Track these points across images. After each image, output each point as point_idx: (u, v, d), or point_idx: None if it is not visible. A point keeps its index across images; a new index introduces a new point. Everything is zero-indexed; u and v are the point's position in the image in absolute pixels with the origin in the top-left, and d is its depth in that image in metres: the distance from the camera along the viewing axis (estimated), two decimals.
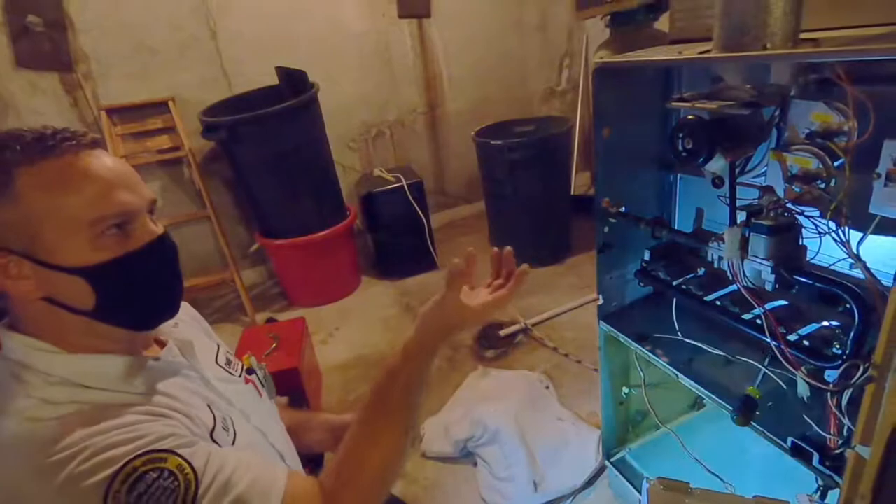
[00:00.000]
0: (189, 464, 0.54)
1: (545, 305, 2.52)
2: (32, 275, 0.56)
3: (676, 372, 1.13)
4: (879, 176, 0.72)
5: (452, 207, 3.78)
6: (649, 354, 1.20)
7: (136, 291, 0.61)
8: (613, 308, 1.35)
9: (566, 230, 3.03)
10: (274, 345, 1.90)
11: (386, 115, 3.37)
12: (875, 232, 0.77)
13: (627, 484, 1.44)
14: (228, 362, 0.83)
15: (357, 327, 2.65)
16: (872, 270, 0.77)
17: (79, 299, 0.58)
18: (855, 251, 0.79)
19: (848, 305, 0.83)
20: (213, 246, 3.04)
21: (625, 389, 1.46)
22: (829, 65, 0.78)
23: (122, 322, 0.62)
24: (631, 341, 1.26)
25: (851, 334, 0.82)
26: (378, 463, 0.67)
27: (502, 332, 2.36)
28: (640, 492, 1.02)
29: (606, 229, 1.25)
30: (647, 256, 1.26)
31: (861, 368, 0.78)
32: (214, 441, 0.64)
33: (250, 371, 0.88)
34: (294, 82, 2.63)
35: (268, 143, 2.48)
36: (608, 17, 2.32)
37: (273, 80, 2.77)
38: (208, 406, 0.68)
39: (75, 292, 0.57)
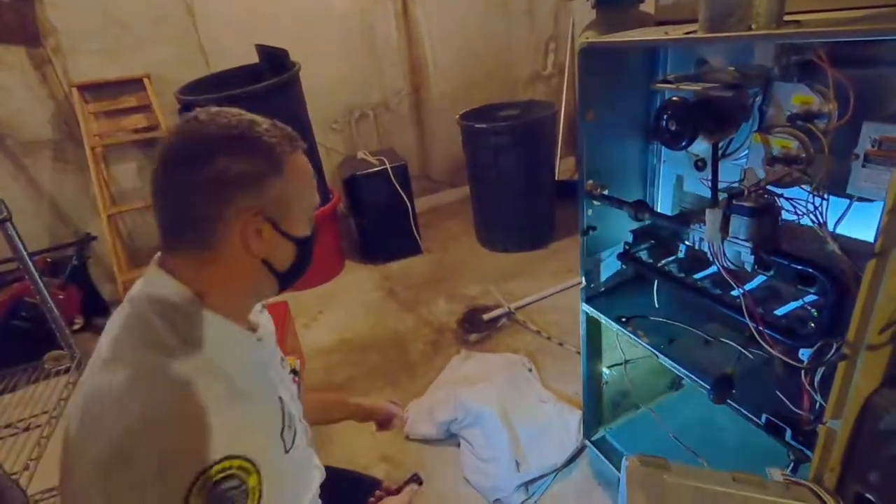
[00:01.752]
0: (260, 490, 0.60)
1: (528, 289, 2.54)
2: (268, 238, 0.67)
3: (656, 352, 1.15)
4: (858, 157, 0.73)
5: (437, 192, 3.75)
6: (630, 335, 1.21)
7: (308, 258, 0.75)
8: (596, 290, 1.36)
9: (550, 215, 3.04)
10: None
11: (370, 97, 3.31)
12: (853, 212, 0.78)
13: (607, 462, 1.47)
14: (282, 359, 0.86)
15: (340, 311, 2.64)
16: (849, 251, 0.79)
17: (282, 262, 0.71)
18: (833, 232, 0.81)
19: (823, 286, 0.85)
20: None
21: (605, 370, 1.48)
22: (811, 47, 0.79)
23: (287, 281, 0.74)
24: (612, 323, 1.27)
25: (826, 314, 0.84)
26: None
27: (486, 316, 2.37)
28: (619, 470, 1.05)
29: (590, 212, 1.26)
30: (629, 239, 1.27)
31: (834, 347, 0.80)
32: (282, 439, 0.70)
33: (295, 372, 0.91)
34: (275, 61, 2.56)
35: None
36: None
37: (253, 58, 2.69)
38: (279, 398, 0.73)
39: (284, 256, 0.70)
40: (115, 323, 0.65)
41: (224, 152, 0.62)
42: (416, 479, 1.01)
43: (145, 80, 2.61)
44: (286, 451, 0.71)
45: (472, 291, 2.62)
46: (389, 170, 2.87)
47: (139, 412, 0.56)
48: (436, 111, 3.51)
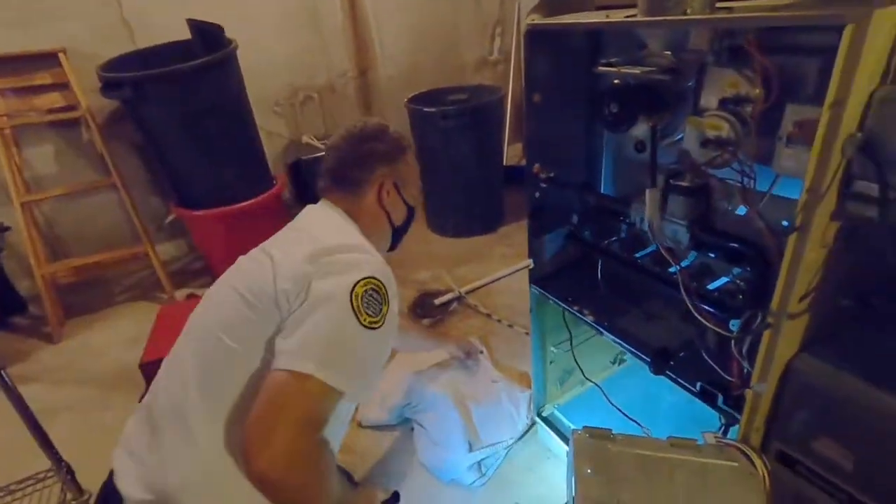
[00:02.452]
0: (388, 305, 0.88)
1: (478, 273, 2.56)
2: (392, 198, 1.08)
3: (601, 329, 1.19)
4: (782, 138, 0.78)
5: None
6: (576, 314, 1.25)
7: (410, 225, 1.17)
8: (544, 271, 1.39)
9: (498, 200, 3.07)
10: None
11: (314, 78, 3.19)
12: (777, 190, 0.83)
13: (556, 437, 1.52)
14: None
15: None
16: (774, 227, 0.84)
17: (399, 220, 1.11)
18: (759, 210, 0.86)
19: (750, 260, 0.91)
20: (121, 218, 2.78)
21: (553, 349, 1.53)
22: (741, 33, 0.83)
23: (397, 237, 1.15)
24: (560, 302, 1.30)
25: (753, 286, 0.90)
26: (323, 494, 0.82)
27: (437, 301, 2.38)
28: (567, 443, 1.09)
29: (537, 195, 1.28)
30: (575, 220, 1.30)
31: (760, 317, 0.86)
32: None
33: None
34: (208, 38, 2.41)
35: (180, 103, 2.26)
36: None
37: (185, 34, 2.52)
38: None
39: (399, 215, 1.11)
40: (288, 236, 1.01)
41: (374, 139, 1.06)
42: (396, 499, 1.07)
43: (61, 55, 2.38)
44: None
45: (422, 276, 2.62)
46: None
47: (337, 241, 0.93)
48: (383, 94, 3.44)
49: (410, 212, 1.12)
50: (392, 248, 1.14)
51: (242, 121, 2.58)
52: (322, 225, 1.00)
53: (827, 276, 0.78)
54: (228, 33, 2.40)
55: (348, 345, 0.81)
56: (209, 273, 2.83)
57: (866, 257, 0.82)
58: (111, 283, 2.84)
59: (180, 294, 2.64)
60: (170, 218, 2.82)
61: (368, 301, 0.81)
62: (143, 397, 0.95)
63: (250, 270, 0.91)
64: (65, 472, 1.44)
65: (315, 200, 1.11)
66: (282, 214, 2.85)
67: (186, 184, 2.55)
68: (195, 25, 2.46)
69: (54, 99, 2.43)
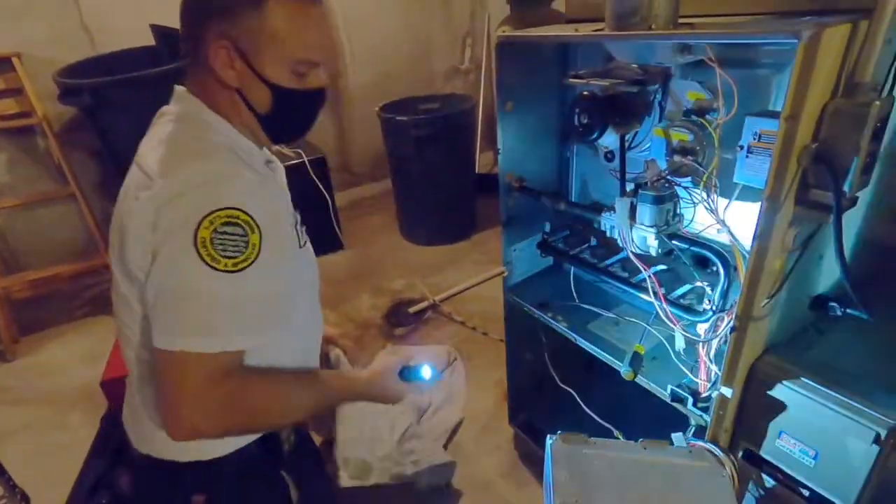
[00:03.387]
0: (259, 249, 0.68)
1: (452, 281, 2.57)
2: (239, 71, 0.72)
3: (574, 335, 1.21)
4: (742, 148, 0.82)
5: (357, 185, 3.67)
6: (550, 321, 1.27)
7: (293, 116, 0.79)
8: (517, 279, 1.41)
9: (471, 207, 3.09)
10: None
11: None
12: (739, 198, 0.87)
13: (532, 443, 1.53)
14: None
15: None
16: (736, 234, 0.87)
17: (260, 103, 0.75)
18: (722, 217, 0.89)
19: (716, 266, 0.94)
20: (79, 229, 2.66)
21: (528, 355, 1.54)
22: (702, 47, 0.86)
23: (272, 129, 0.79)
24: (533, 309, 1.32)
25: (718, 291, 0.93)
26: (278, 414, 0.78)
27: (411, 310, 2.37)
28: (543, 448, 1.09)
29: (510, 203, 1.29)
30: (548, 228, 1.32)
31: (726, 321, 0.89)
32: (296, 231, 0.81)
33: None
34: (173, 44, 2.35)
35: (144, 111, 2.16)
36: None
37: (148, 40, 2.45)
38: (291, 202, 0.84)
39: (259, 97, 0.74)
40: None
41: None
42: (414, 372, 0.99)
43: (15, 60, 2.28)
44: (300, 246, 0.82)
45: (396, 285, 2.60)
46: (307, 163, 2.75)
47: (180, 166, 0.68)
48: (355, 102, 3.42)
49: (280, 93, 0.74)
50: (276, 140, 0.83)
51: None
52: (159, 133, 0.75)
53: (787, 280, 0.82)
54: None
55: (214, 302, 0.67)
56: None
57: (822, 262, 0.86)
58: (69, 298, 2.72)
59: None
60: None
61: (222, 241, 0.65)
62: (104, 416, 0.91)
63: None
64: (19, 498, 1.36)
65: None
66: None
67: None
68: (160, 31, 2.40)
69: (8, 105, 2.32)
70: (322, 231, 2.93)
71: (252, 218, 0.67)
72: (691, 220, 1.01)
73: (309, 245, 0.88)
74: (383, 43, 3.41)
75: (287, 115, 0.78)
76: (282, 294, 0.75)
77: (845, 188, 0.71)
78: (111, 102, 2.14)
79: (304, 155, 2.77)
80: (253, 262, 0.67)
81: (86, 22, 2.45)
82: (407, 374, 0.94)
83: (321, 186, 2.81)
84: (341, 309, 2.46)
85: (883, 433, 0.75)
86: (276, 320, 0.76)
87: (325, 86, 0.79)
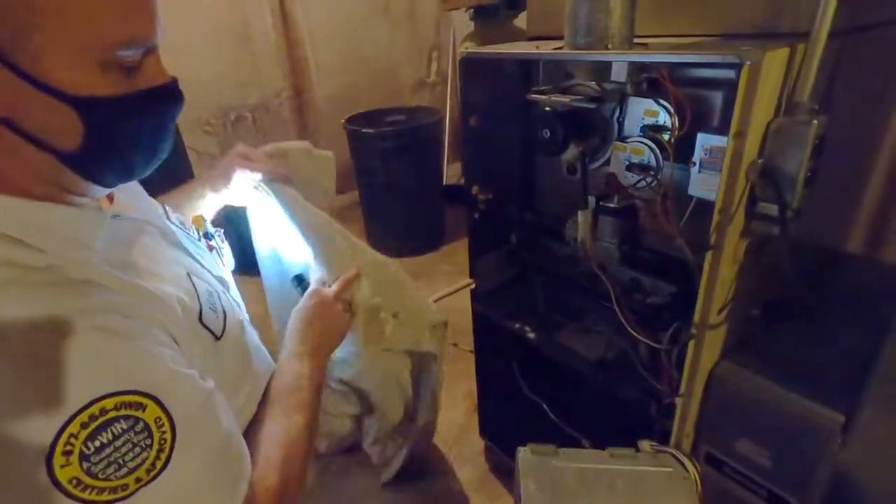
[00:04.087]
0: (170, 419, 0.42)
1: (423, 292, 2.56)
2: (6, 85, 0.38)
3: (541, 345, 1.22)
4: (695, 164, 0.85)
5: None
6: (518, 332, 1.28)
7: (134, 140, 0.46)
8: (486, 290, 1.42)
9: (440, 218, 3.10)
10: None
11: (247, 98, 3.10)
12: (694, 211, 0.90)
13: (503, 454, 1.54)
14: (183, 223, 0.69)
15: None
16: (693, 244, 0.91)
17: (57, 134, 0.42)
18: (678, 229, 0.93)
19: (673, 277, 0.97)
20: None
21: (496, 366, 1.55)
22: (656, 66, 0.90)
23: (96, 172, 0.46)
24: (502, 321, 1.33)
25: (678, 300, 0.97)
26: (304, 456, 0.60)
27: None
28: (514, 460, 1.10)
29: (477, 215, 1.30)
30: (514, 240, 1.34)
31: (685, 328, 0.92)
32: (204, 325, 0.52)
33: (208, 236, 0.76)
34: None
35: None
36: (472, 10, 2.41)
37: None
38: (188, 275, 0.55)
39: (56, 124, 0.41)
40: None
41: None
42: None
43: None
44: (217, 339, 0.54)
45: None
46: None
47: None
48: (320, 114, 3.40)
49: (86, 106, 0.42)
50: (108, 184, 0.50)
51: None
52: None
53: (740, 289, 0.86)
54: None
55: None
56: None
57: (770, 271, 0.90)
58: None
59: None
60: None
61: (107, 458, 0.39)
62: None
63: None
64: None
65: None
66: None
67: None
68: None
69: None
70: None
71: (141, 392, 0.40)
72: (651, 232, 1.04)
73: (234, 324, 0.60)
74: (349, 55, 3.40)
75: (123, 144, 0.45)
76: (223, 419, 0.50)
77: (789, 201, 0.75)
78: None
79: None
80: (170, 451, 0.42)
81: None
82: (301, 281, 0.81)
83: None
84: None
85: (833, 430, 0.79)
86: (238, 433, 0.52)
87: (170, 79, 0.49)
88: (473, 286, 1.39)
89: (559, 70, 1.12)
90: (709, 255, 0.80)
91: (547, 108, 1.07)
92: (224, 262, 0.79)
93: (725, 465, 0.95)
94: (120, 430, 0.39)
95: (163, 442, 0.41)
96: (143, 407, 0.40)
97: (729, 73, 0.87)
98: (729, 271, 0.83)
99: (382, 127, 2.75)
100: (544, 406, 1.46)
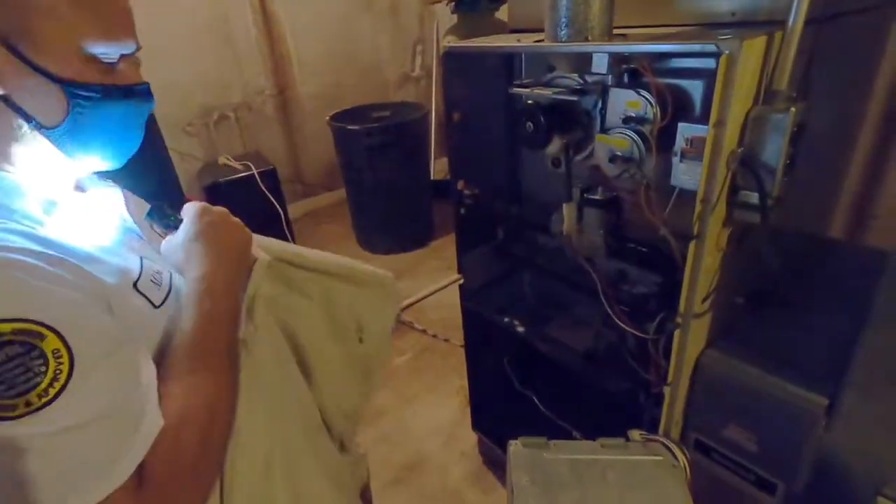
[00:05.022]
0: (70, 354, 0.44)
1: (411, 289, 2.55)
2: (2, 66, 0.48)
3: (531, 339, 1.23)
4: (677, 154, 0.86)
5: (312, 196, 3.61)
6: (508, 325, 1.28)
7: (109, 126, 0.55)
8: (474, 285, 1.42)
9: (428, 214, 3.09)
10: None
11: (229, 97, 3.06)
12: (677, 201, 0.91)
13: (495, 447, 1.54)
14: (156, 209, 0.70)
15: None
16: (677, 234, 0.92)
17: (46, 111, 0.51)
18: (662, 220, 0.93)
19: (659, 266, 0.98)
20: None
21: (488, 360, 1.55)
22: (636, 57, 0.90)
23: (72, 147, 0.54)
24: (491, 314, 1.33)
25: (662, 291, 0.97)
26: (210, 423, 0.55)
27: None
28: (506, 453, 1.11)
29: (463, 211, 1.30)
30: (501, 234, 1.34)
31: (670, 318, 0.92)
32: (139, 291, 0.54)
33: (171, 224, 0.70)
34: None
35: None
36: (454, 3, 2.39)
37: None
38: (140, 258, 0.58)
39: (45, 102, 0.51)
40: None
41: None
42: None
43: None
44: (155, 307, 0.56)
45: None
46: (257, 175, 2.68)
47: None
48: (305, 112, 3.36)
49: (82, 91, 0.51)
50: (82, 159, 0.57)
51: (148, 141, 2.40)
52: None
53: (724, 277, 0.86)
54: None
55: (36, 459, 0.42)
56: None
57: (753, 259, 0.91)
58: None
59: None
60: None
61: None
62: None
63: None
64: None
65: None
66: None
67: None
68: None
69: None
70: None
71: (41, 323, 0.42)
72: (635, 223, 1.05)
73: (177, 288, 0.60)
74: (332, 52, 3.37)
75: (97, 126, 0.54)
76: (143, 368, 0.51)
77: (770, 189, 0.76)
78: None
79: (253, 167, 2.69)
80: (65, 382, 0.43)
81: None
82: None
83: (273, 199, 2.74)
84: None
85: (816, 415, 0.80)
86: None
87: (143, 82, 0.58)
88: (462, 282, 1.38)
89: (541, 63, 1.12)
90: (692, 245, 0.81)
91: (529, 102, 1.07)
92: None
93: (714, 451, 0.96)
94: (14, 353, 0.42)
95: (58, 372, 0.43)
96: (42, 336, 0.43)
97: (708, 63, 0.87)
98: (713, 260, 0.83)
99: (367, 123, 2.73)
100: (535, 399, 1.46)
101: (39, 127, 0.51)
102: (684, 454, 0.94)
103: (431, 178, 3.24)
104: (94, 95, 0.52)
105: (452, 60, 1.14)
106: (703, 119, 0.78)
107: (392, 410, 1.89)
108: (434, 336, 2.24)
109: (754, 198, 0.77)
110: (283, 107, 3.31)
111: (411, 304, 2.46)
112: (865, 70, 1.10)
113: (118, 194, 0.68)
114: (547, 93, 1.00)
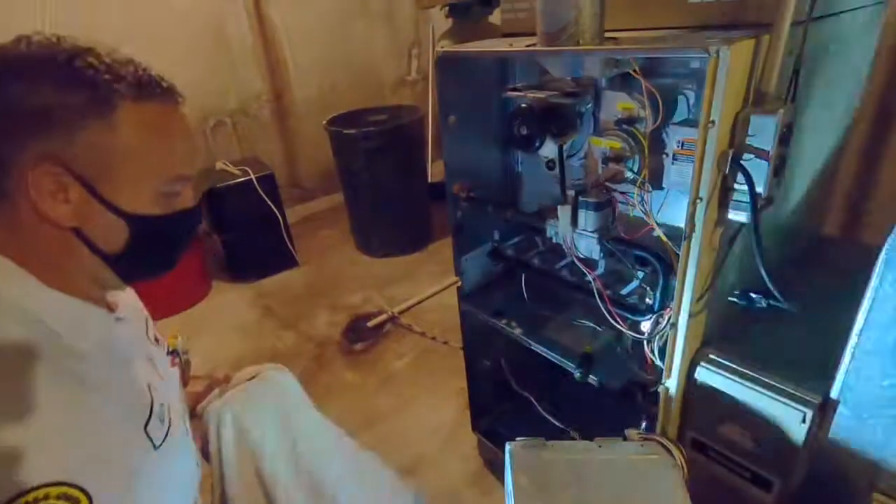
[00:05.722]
0: None
1: (410, 292, 2.56)
2: (76, 203, 0.52)
3: (529, 341, 1.23)
4: (668, 155, 0.86)
5: (309, 200, 3.61)
6: (505, 328, 1.29)
7: (163, 249, 0.61)
8: (472, 288, 1.42)
9: (425, 218, 3.10)
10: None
11: (225, 102, 3.07)
12: (670, 202, 0.92)
13: (494, 448, 1.55)
14: (157, 340, 0.75)
15: (210, 338, 2.40)
16: (671, 235, 0.92)
17: (109, 241, 0.56)
18: (656, 221, 0.94)
19: (653, 266, 0.98)
20: None
21: (486, 362, 1.56)
22: (627, 60, 0.91)
23: (132, 272, 0.60)
24: (488, 318, 1.34)
25: (658, 290, 0.98)
26: None
27: (370, 324, 2.35)
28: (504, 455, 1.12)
29: (459, 214, 1.31)
30: (497, 236, 1.35)
31: (666, 318, 0.93)
32: (147, 435, 0.58)
33: (175, 353, 0.78)
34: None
35: None
36: (447, 8, 2.41)
37: None
38: (148, 387, 0.62)
39: (110, 234, 0.55)
40: None
41: (19, 77, 0.49)
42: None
43: None
44: (155, 448, 0.59)
45: (354, 300, 2.57)
46: (254, 180, 2.69)
47: None
48: (301, 117, 3.37)
49: (142, 224, 0.55)
50: (131, 281, 0.64)
51: None
52: None
53: (717, 276, 0.87)
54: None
55: None
56: None
57: (746, 258, 0.92)
58: None
59: None
60: None
61: None
62: None
63: None
64: None
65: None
66: (196, 246, 2.69)
67: None
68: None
69: None
70: (275, 249, 2.87)
71: (80, 488, 0.46)
72: (630, 223, 1.05)
73: (180, 430, 0.66)
74: (328, 56, 3.38)
75: (153, 250, 0.59)
76: None
77: (760, 189, 0.76)
78: None
79: (251, 172, 2.70)
80: None
81: None
82: None
83: (271, 203, 2.75)
84: (298, 328, 2.40)
85: (810, 413, 0.81)
86: None
87: (195, 203, 0.62)
88: (459, 284, 1.39)
89: (534, 66, 1.13)
90: (686, 245, 0.82)
91: (523, 105, 1.07)
92: (183, 378, 0.81)
93: (710, 449, 0.96)
94: None
95: None
96: (77, 501, 0.47)
97: (698, 65, 0.89)
98: (707, 260, 0.84)
99: (364, 127, 2.74)
100: (532, 400, 1.47)
101: (101, 253, 0.56)
102: (681, 453, 0.94)
103: (429, 180, 3.25)
104: (156, 225, 0.57)
105: (446, 64, 1.15)
106: (694, 121, 0.79)
107: (391, 412, 1.89)
108: (433, 338, 2.24)
109: (745, 197, 0.78)
110: (279, 112, 3.32)
111: (410, 307, 2.47)
112: (857, 69, 1.11)
113: (134, 304, 0.72)
114: (540, 96, 1.01)
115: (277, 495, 0.79)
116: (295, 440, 0.83)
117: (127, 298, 0.69)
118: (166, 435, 0.61)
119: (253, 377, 0.84)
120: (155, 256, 0.61)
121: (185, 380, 0.82)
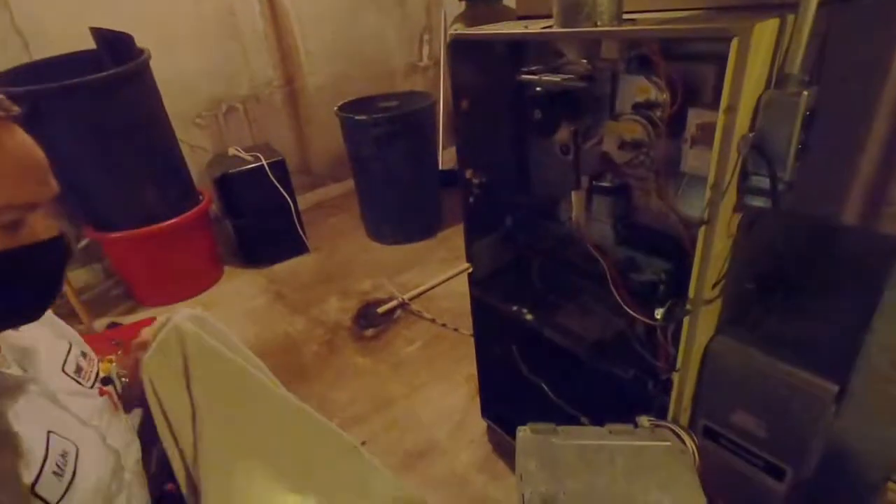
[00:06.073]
0: None
1: (421, 279, 2.57)
2: None
3: (539, 327, 1.23)
4: (687, 140, 0.85)
5: (320, 187, 3.62)
6: (516, 314, 1.29)
7: (13, 292, 0.50)
8: (483, 274, 1.42)
9: (436, 204, 3.09)
10: (119, 352, 1.66)
11: (237, 88, 3.07)
12: (687, 187, 0.90)
13: (505, 434, 1.56)
14: (79, 370, 0.69)
15: (222, 322, 2.42)
16: (686, 221, 0.91)
17: None
18: (672, 206, 0.93)
19: (668, 253, 0.97)
20: None
21: (497, 349, 1.56)
22: (646, 42, 0.89)
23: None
24: (499, 303, 1.34)
25: (672, 277, 0.97)
26: None
27: (380, 310, 2.36)
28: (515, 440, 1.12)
29: (471, 200, 1.30)
30: (509, 223, 1.34)
31: (680, 305, 0.92)
32: (36, 495, 0.50)
33: (107, 381, 0.75)
34: (116, 48, 2.25)
35: (87, 120, 2.09)
36: None
37: (88, 43, 2.34)
38: (47, 435, 0.55)
39: None
40: None
41: None
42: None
43: None
44: (64, 494, 0.53)
45: (364, 286, 2.59)
46: (266, 166, 2.69)
47: None
48: (312, 103, 3.36)
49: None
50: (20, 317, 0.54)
51: (160, 135, 2.43)
52: None
53: (734, 263, 0.86)
54: (139, 43, 2.25)
55: None
56: (130, 297, 2.64)
57: (763, 245, 0.91)
58: None
59: (100, 324, 2.44)
60: (84, 242, 2.60)
61: None
62: None
63: None
64: None
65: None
66: (209, 232, 2.71)
67: (100, 205, 2.36)
68: (101, 35, 2.29)
69: None
70: (286, 235, 2.88)
71: None
72: (645, 209, 1.04)
73: (90, 484, 0.58)
74: (339, 42, 3.36)
75: (7, 295, 0.49)
76: None
77: (781, 174, 0.75)
78: (49, 110, 2.03)
79: (262, 158, 2.71)
80: None
81: (18, 25, 2.32)
82: None
83: (282, 190, 2.76)
84: (309, 313, 2.42)
85: (826, 399, 0.80)
86: None
87: (57, 234, 0.53)
88: (470, 271, 1.39)
89: (549, 49, 1.11)
90: (702, 231, 0.81)
91: (538, 89, 1.06)
92: (120, 405, 0.77)
93: (722, 437, 0.96)
94: None
95: None
96: None
97: (719, 47, 0.86)
98: (723, 246, 0.83)
99: (375, 113, 2.72)
100: (544, 386, 1.47)
101: None
102: (693, 440, 0.94)
103: (440, 167, 3.23)
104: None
105: (459, 48, 1.13)
106: (714, 104, 0.77)
107: (401, 398, 1.91)
108: (443, 325, 2.25)
109: (765, 183, 0.76)
110: (290, 98, 3.31)
111: (420, 294, 2.47)
112: (881, 53, 1.07)
113: (30, 347, 0.62)
114: (556, 79, 0.99)
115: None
116: (202, 391, 0.82)
117: (26, 335, 0.61)
118: (67, 487, 0.54)
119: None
120: (8, 299, 0.49)
121: (122, 401, 0.80)
